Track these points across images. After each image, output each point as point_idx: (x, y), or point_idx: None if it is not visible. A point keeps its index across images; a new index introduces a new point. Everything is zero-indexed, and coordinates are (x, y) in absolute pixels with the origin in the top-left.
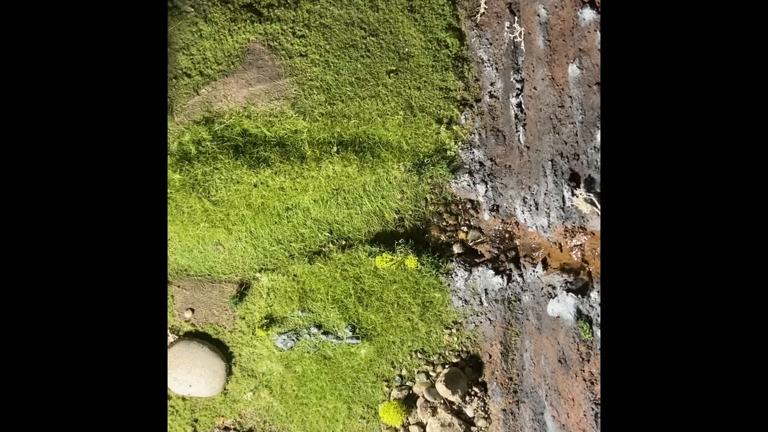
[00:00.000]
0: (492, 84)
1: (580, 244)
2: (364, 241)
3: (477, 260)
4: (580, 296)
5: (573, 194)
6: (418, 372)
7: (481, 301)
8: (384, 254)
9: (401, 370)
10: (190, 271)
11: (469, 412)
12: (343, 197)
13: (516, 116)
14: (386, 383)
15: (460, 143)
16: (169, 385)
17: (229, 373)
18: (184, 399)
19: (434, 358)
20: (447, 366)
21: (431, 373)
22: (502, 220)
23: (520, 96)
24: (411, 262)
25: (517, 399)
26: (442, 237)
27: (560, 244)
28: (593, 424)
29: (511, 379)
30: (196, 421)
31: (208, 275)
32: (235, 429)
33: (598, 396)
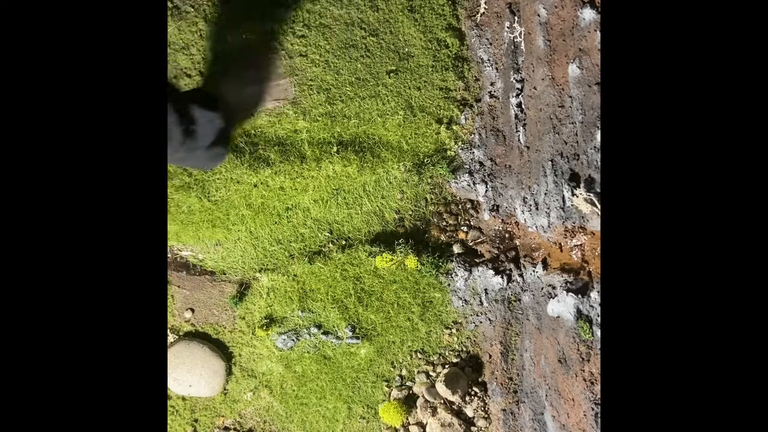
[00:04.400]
0: (492, 84)
1: (580, 244)
2: (364, 241)
3: (477, 260)
4: (580, 296)
5: (573, 194)
6: (418, 372)
7: (481, 301)
8: (384, 254)
9: (401, 370)
10: (190, 270)
11: (469, 412)
12: (343, 197)
13: (516, 116)
14: (386, 383)
15: (460, 143)
16: (169, 385)
17: (229, 373)
18: (184, 399)
19: (434, 358)
20: (447, 366)
21: (431, 373)
22: (502, 220)
23: (520, 96)
24: (411, 262)
25: (517, 399)
26: (442, 237)
27: (560, 244)
28: (593, 424)
29: (511, 379)
30: (196, 421)
31: (209, 275)
32: (235, 429)
33: (598, 396)
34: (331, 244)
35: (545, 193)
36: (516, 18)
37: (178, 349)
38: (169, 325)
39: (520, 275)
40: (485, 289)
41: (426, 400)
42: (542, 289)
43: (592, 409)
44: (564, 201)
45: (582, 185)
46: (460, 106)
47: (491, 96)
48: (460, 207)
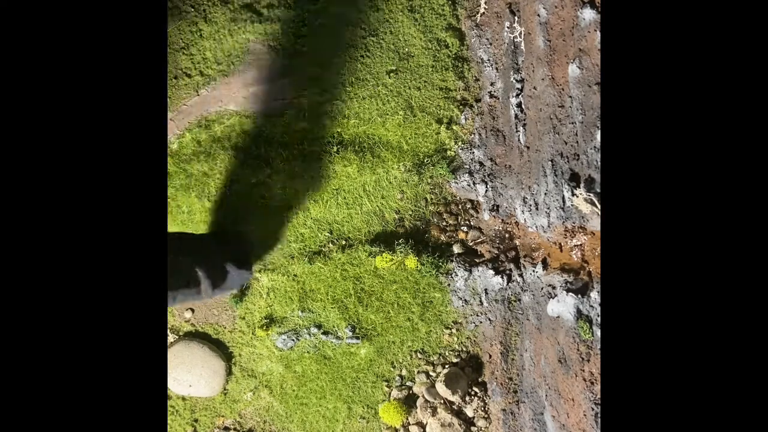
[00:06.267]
0: (492, 84)
1: (580, 244)
2: (364, 241)
3: (477, 260)
4: (580, 296)
5: (573, 194)
6: (418, 372)
7: (481, 301)
8: (384, 254)
9: (401, 370)
10: None
11: (469, 412)
12: (343, 197)
13: (516, 116)
14: (386, 383)
15: (460, 143)
16: (169, 385)
17: (229, 373)
18: (184, 399)
19: (434, 358)
20: (447, 366)
21: (431, 373)
22: (502, 220)
23: (520, 96)
24: (411, 262)
25: (517, 399)
26: (442, 237)
27: (560, 244)
28: (593, 424)
29: (511, 379)
30: (196, 421)
31: None
32: (235, 429)
33: (598, 396)
34: (331, 244)
35: (545, 193)
36: (516, 18)
37: (178, 349)
38: (169, 325)
39: (520, 275)
40: (485, 289)
41: (426, 400)
42: (542, 289)
43: (592, 409)
44: (564, 201)
45: (582, 185)
46: (460, 106)
47: (491, 96)
48: (460, 207)
